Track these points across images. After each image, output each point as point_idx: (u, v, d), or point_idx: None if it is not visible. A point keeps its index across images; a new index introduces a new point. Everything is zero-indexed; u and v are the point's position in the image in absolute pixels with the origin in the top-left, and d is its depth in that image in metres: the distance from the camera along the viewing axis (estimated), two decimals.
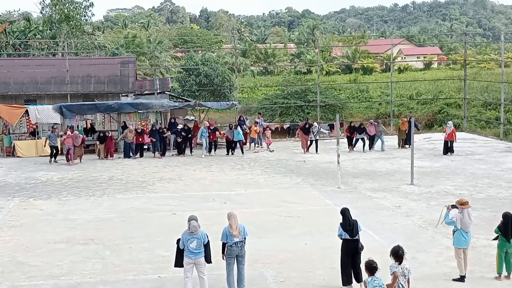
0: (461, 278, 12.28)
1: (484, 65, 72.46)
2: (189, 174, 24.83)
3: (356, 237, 11.88)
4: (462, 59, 45.25)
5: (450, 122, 29.57)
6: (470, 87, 45.82)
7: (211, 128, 29.69)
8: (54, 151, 28.30)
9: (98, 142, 29.08)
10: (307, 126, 30.08)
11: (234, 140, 29.51)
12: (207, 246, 11.48)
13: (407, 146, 29.72)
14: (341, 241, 12.04)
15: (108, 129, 30.95)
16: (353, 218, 12.08)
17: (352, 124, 30.94)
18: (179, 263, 11.58)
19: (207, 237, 11.54)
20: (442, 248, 14.33)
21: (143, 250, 14.70)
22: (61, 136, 28.61)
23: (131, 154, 29.05)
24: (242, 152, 29.37)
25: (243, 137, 29.96)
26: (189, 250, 11.30)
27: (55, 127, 29.27)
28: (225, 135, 29.92)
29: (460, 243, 12.40)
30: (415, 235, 15.58)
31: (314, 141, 30.05)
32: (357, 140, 30.42)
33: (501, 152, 29.28)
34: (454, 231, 12.56)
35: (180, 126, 30.03)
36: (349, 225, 11.89)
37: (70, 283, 12.60)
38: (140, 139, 29.20)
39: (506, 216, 12.37)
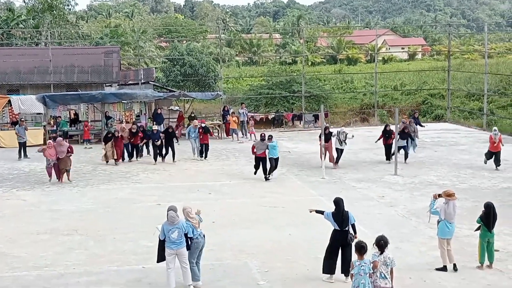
0: (444, 268, 12.40)
1: (467, 56, 73.10)
2: (174, 165, 24.76)
3: (346, 229, 11.80)
4: (446, 50, 45.55)
5: (496, 129, 23.72)
6: (454, 78, 46.15)
7: (203, 125, 26.08)
8: (22, 148, 26.11)
9: (103, 143, 25.20)
10: (326, 132, 23.28)
11: (269, 157, 21.77)
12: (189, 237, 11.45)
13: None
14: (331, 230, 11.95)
15: (116, 129, 26.36)
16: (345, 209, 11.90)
17: (388, 129, 24.46)
18: (162, 257, 11.53)
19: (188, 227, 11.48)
20: (426, 238, 14.44)
21: (127, 240, 14.66)
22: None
23: (127, 157, 25.81)
24: (271, 173, 21.97)
25: (278, 153, 22.11)
26: (170, 240, 11.27)
27: (22, 119, 27.81)
28: (254, 152, 22.11)
29: (444, 233, 12.52)
30: (399, 225, 15.69)
31: (340, 150, 23.85)
32: (400, 148, 23.92)
33: (484, 142, 29.34)
34: (438, 222, 12.68)
35: (155, 127, 26.12)
36: (342, 215, 11.81)
37: (54, 274, 12.54)
38: (133, 140, 25.80)
39: (488, 206, 12.51)
